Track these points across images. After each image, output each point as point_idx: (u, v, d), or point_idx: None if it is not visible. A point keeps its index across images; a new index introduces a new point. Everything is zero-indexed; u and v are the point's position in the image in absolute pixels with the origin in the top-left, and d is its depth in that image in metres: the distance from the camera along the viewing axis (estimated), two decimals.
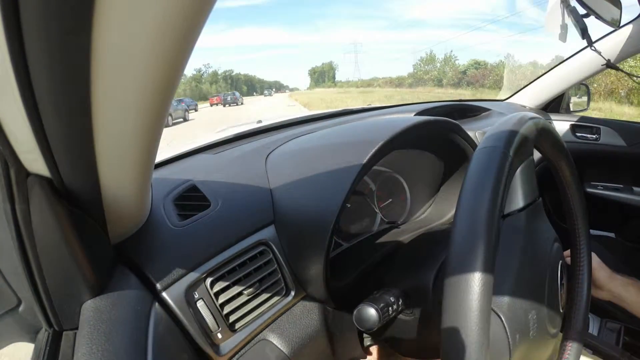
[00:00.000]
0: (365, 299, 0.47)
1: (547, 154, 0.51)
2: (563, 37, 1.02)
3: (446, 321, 0.32)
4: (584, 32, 1.03)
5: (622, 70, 1.17)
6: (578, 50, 1.28)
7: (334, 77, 65.11)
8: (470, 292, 0.31)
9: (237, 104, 26.99)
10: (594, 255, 0.75)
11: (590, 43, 1.08)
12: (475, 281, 0.31)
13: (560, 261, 0.48)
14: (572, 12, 0.99)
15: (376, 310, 0.44)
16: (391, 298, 0.47)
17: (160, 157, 0.68)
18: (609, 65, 1.14)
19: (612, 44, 1.16)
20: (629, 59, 1.26)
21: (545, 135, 0.48)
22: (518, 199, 0.43)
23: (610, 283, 0.75)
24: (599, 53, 1.11)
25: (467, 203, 0.34)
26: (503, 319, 0.38)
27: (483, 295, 0.31)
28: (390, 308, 0.46)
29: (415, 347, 0.55)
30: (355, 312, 0.45)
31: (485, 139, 0.38)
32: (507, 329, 0.38)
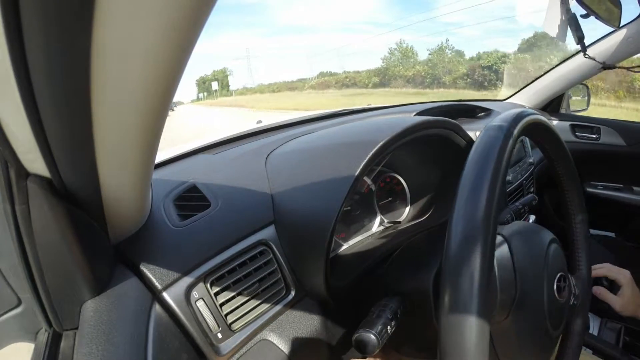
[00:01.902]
0: (362, 324, 0.47)
1: (546, 150, 0.51)
2: (562, 37, 1.02)
3: (444, 322, 0.32)
4: (580, 40, 1.04)
5: (619, 67, 1.17)
6: (579, 50, 1.28)
7: (228, 85, 53.72)
8: (467, 291, 0.31)
9: (173, 109, 33.46)
10: (627, 279, 0.76)
11: (584, 51, 1.09)
12: (474, 280, 0.31)
13: (560, 273, 0.47)
14: (572, 19, 0.99)
15: (374, 335, 0.45)
16: (388, 315, 0.47)
17: (160, 157, 0.68)
18: (605, 66, 1.15)
19: (612, 44, 1.17)
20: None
21: (543, 131, 0.48)
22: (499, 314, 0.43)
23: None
24: (593, 59, 1.12)
25: (463, 202, 0.34)
26: None
27: (480, 295, 0.31)
28: (388, 327, 0.46)
29: (415, 346, 0.55)
30: (353, 341, 0.46)
31: (481, 136, 0.39)
32: None
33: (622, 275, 0.77)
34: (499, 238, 0.46)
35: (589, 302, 0.57)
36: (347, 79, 33.43)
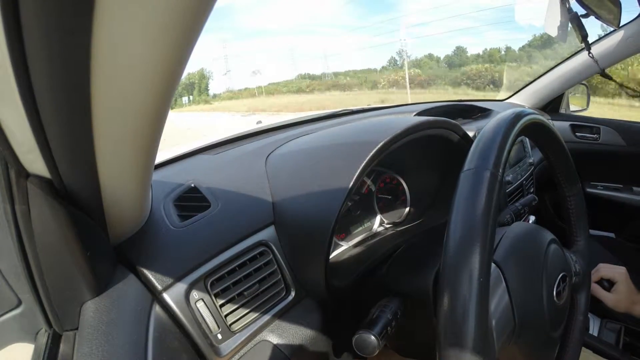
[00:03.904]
0: (362, 324, 0.47)
1: (544, 149, 0.51)
2: (563, 37, 1.03)
3: (443, 322, 0.32)
4: (584, 39, 1.04)
5: (615, 81, 1.18)
6: (578, 50, 1.28)
7: (207, 89, 43.33)
8: (466, 291, 0.31)
9: None
10: (624, 275, 0.77)
11: (589, 50, 1.09)
12: (473, 280, 0.31)
13: (562, 272, 0.47)
14: (575, 18, 0.99)
15: (374, 336, 0.45)
16: (388, 315, 0.47)
17: (160, 157, 0.68)
18: (604, 75, 1.16)
19: (613, 43, 1.17)
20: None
21: (542, 131, 0.48)
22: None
23: (633, 306, 0.75)
24: (596, 61, 1.13)
25: (462, 202, 0.34)
26: None
27: (479, 294, 0.31)
28: (388, 328, 0.46)
29: (415, 347, 0.55)
30: (354, 341, 0.45)
31: (480, 136, 0.39)
32: None
33: (617, 272, 0.78)
34: (492, 266, 0.43)
35: (590, 276, 0.57)
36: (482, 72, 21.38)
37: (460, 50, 27.06)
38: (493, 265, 0.43)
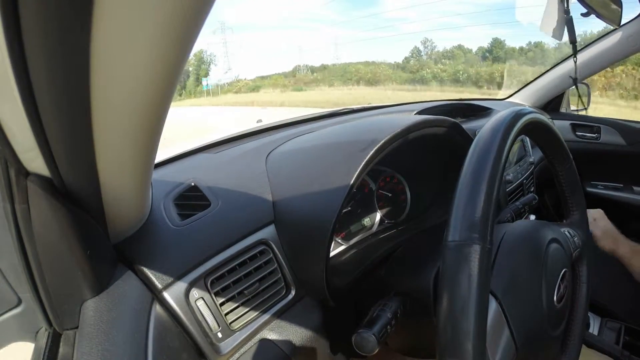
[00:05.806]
0: (361, 324, 0.47)
1: (543, 148, 0.51)
2: (559, 35, 1.03)
3: (442, 322, 0.32)
4: (573, 44, 1.07)
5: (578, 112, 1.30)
6: (578, 49, 1.28)
7: (208, 77, 32.32)
8: (466, 290, 0.31)
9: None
10: (600, 213, 0.86)
11: (575, 55, 1.13)
12: (472, 280, 0.31)
13: (563, 269, 0.47)
14: (568, 21, 1.01)
15: (374, 335, 0.45)
16: (388, 315, 0.47)
17: (160, 156, 0.68)
18: (575, 82, 1.22)
19: (614, 42, 1.17)
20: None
21: (542, 130, 0.48)
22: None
23: (617, 244, 0.83)
24: (575, 71, 1.17)
25: (462, 202, 0.34)
26: None
27: (479, 294, 0.31)
28: (388, 327, 0.46)
29: (414, 346, 0.55)
30: (353, 340, 0.45)
31: (479, 135, 0.39)
32: None
33: (593, 211, 0.88)
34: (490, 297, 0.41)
35: (589, 246, 0.57)
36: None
37: (497, 42, 24.44)
38: (491, 298, 0.41)
